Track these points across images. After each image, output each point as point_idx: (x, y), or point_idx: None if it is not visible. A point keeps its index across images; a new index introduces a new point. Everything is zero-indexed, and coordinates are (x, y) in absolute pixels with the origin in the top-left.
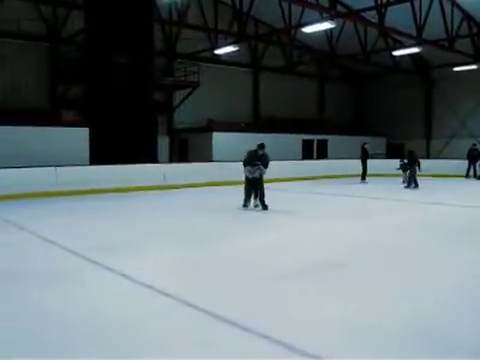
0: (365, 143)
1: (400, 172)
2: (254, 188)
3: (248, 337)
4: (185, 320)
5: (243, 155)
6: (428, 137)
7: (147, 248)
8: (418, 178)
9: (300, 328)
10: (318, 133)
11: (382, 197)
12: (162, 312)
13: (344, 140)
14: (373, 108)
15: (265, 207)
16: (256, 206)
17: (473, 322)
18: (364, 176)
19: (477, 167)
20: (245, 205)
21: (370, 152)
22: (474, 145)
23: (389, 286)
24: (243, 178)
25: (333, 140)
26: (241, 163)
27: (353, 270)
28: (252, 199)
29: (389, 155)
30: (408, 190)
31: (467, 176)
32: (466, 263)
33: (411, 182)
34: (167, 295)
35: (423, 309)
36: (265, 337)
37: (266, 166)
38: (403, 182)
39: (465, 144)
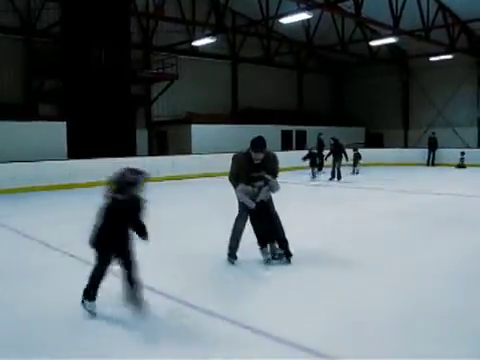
0: (320, 133)
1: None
2: (259, 223)
3: (224, 326)
4: (161, 312)
5: (227, 160)
6: (406, 126)
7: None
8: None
9: (276, 316)
10: (297, 124)
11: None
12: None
13: (323, 130)
14: (351, 98)
15: (289, 254)
16: (270, 259)
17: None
18: (321, 167)
19: (435, 155)
20: (233, 256)
21: (351, 142)
22: (433, 134)
23: (371, 277)
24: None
25: (312, 131)
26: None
27: (334, 258)
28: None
29: (368, 145)
30: (358, 177)
31: (428, 164)
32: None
33: (335, 174)
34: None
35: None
36: (247, 327)
37: (276, 175)
38: (313, 176)
39: (441, 133)
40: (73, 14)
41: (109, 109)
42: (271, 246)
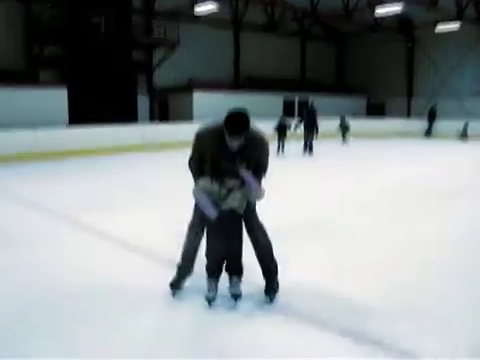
0: (312, 102)
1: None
2: (217, 241)
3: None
4: (167, 278)
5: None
6: (409, 96)
7: (129, 208)
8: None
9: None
10: (299, 92)
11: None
12: (146, 270)
13: (325, 100)
14: (355, 67)
15: (273, 289)
16: (214, 297)
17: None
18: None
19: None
20: (177, 286)
21: (354, 113)
22: (435, 105)
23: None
24: None
25: (314, 99)
26: None
27: (339, 226)
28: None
29: (370, 115)
30: (345, 149)
31: (427, 135)
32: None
33: (307, 147)
34: (150, 254)
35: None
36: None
37: (262, 172)
38: (279, 151)
39: (445, 103)
40: None
41: (110, 75)
42: (230, 280)
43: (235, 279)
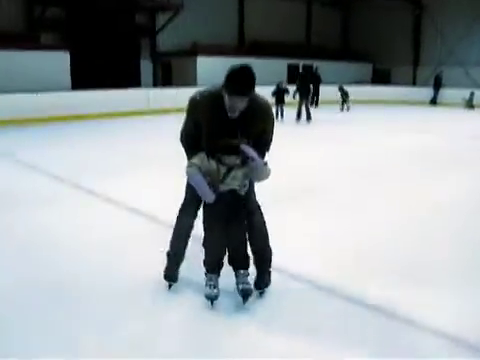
0: (316, 67)
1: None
2: (218, 229)
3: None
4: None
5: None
6: (415, 64)
7: (130, 172)
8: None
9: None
10: (304, 58)
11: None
12: (145, 234)
13: (330, 66)
14: (361, 33)
15: (263, 283)
16: (217, 295)
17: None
18: (317, 102)
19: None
20: (172, 278)
21: (359, 79)
22: (441, 72)
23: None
24: None
25: (319, 65)
26: None
27: (334, 193)
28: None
29: (375, 82)
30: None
31: (432, 103)
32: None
33: (301, 113)
34: (151, 218)
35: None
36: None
37: (265, 148)
38: (278, 116)
39: (452, 72)
40: None
41: (113, 39)
42: (236, 274)
43: (242, 272)
